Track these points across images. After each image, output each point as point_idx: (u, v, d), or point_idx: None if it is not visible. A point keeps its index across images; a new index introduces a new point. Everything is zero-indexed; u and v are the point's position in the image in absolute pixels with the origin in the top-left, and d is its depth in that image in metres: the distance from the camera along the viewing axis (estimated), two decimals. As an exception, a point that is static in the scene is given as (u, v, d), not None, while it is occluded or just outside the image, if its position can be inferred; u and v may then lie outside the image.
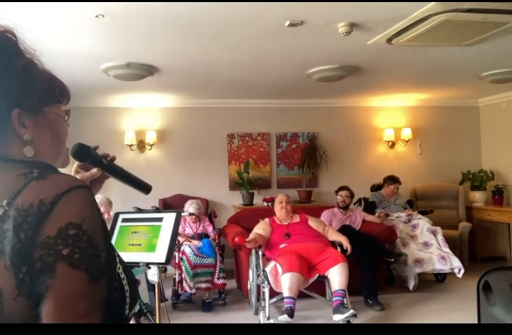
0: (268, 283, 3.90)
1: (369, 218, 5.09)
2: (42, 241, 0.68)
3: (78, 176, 1.07)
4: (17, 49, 0.81)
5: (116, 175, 1.13)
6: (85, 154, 1.07)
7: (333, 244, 4.22)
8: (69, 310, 0.68)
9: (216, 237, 4.87)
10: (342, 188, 5.15)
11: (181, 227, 4.48)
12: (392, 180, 5.56)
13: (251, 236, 4.17)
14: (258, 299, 4.05)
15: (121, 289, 0.82)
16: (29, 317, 0.68)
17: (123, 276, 0.84)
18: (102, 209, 4.10)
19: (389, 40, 3.50)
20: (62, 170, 0.95)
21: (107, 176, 1.13)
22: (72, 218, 0.71)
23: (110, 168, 1.11)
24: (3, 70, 0.79)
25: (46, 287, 0.68)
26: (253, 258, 4.15)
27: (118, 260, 0.84)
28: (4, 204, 0.70)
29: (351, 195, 5.12)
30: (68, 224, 0.70)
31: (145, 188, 1.21)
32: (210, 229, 4.93)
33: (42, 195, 0.71)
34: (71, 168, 1.11)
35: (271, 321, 3.70)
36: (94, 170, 1.07)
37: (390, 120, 6.49)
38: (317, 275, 3.92)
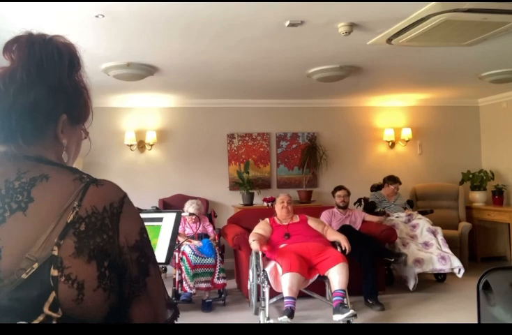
0: (268, 283, 3.90)
1: (369, 218, 5.08)
2: (134, 244, 0.79)
3: None
4: (79, 63, 0.90)
5: None
6: None
7: (333, 244, 4.22)
8: (162, 299, 0.83)
9: (216, 237, 4.87)
10: (339, 188, 5.15)
11: (181, 227, 4.48)
12: (392, 180, 5.56)
13: (252, 237, 4.18)
14: (258, 299, 4.05)
15: None
16: (102, 308, 0.75)
17: None
18: None
19: (389, 40, 3.50)
20: None
21: None
22: (140, 222, 0.82)
23: None
24: (69, 78, 0.86)
25: (143, 285, 0.79)
26: (253, 258, 4.15)
27: None
28: (75, 205, 0.75)
29: (349, 194, 5.13)
30: (142, 228, 0.81)
31: None
32: (210, 229, 4.93)
33: (108, 199, 0.78)
34: None
35: (271, 321, 3.70)
36: None
37: (390, 120, 6.49)
38: (317, 275, 3.92)
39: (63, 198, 0.76)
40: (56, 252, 0.72)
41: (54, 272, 0.71)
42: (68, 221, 0.74)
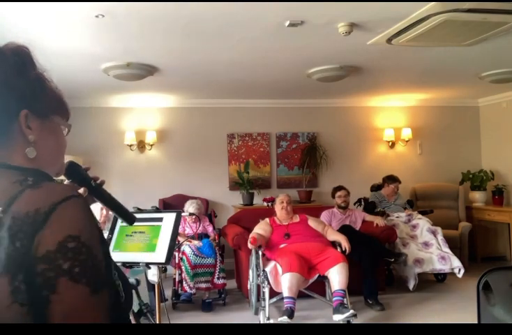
0: (268, 283, 3.90)
1: (369, 217, 5.08)
2: (43, 255, 0.69)
3: None
4: (31, 61, 0.88)
5: (103, 199, 1.12)
6: (73, 172, 1.07)
7: (333, 244, 4.22)
8: (73, 321, 0.69)
9: (216, 237, 4.87)
10: (339, 188, 5.14)
11: (181, 227, 4.47)
12: (392, 179, 5.57)
13: (249, 240, 4.19)
14: (258, 299, 4.05)
15: (117, 296, 0.83)
16: (26, 321, 0.68)
17: (118, 282, 0.85)
18: (100, 205, 4.10)
19: (389, 40, 3.50)
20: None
21: (94, 200, 1.12)
22: (70, 230, 0.71)
23: (97, 191, 1.10)
24: (18, 75, 0.84)
25: (48, 301, 0.69)
26: (253, 258, 4.15)
27: (113, 267, 0.85)
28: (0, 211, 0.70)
29: (349, 193, 5.13)
30: (67, 237, 0.70)
31: (129, 218, 1.18)
32: (210, 229, 4.93)
33: (37, 204, 0.71)
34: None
35: (271, 321, 3.70)
36: (81, 190, 1.07)
37: (390, 120, 6.49)
38: (317, 275, 3.92)
39: None
40: None
41: None
42: None
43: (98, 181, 1.11)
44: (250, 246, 4.02)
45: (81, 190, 1.07)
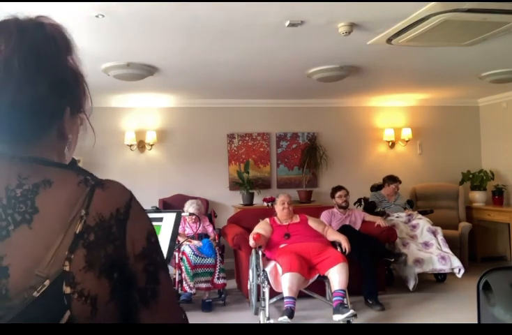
0: (268, 283, 3.90)
1: (369, 218, 5.08)
2: (141, 252, 0.73)
3: None
4: (72, 46, 0.81)
5: None
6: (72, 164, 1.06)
7: (333, 244, 4.22)
8: (175, 306, 0.78)
9: (216, 237, 4.87)
10: (338, 189, 5.13)
11: (181, 227, 4.48)
12: (392, 179, 5.57)
13: (252, 236, 4.19)
14: (258, 299, 4.05)
15: None
16: (114, 318, 0.72)
17: None
18: None
19: (389, 40, 3.50)
20: None
21: None
22: (147, 225, 0.76)
23: None
24: (64, 64, 0.78)
25: (155, 293, 0.74)
26: (253, 258, 4.15)
27: None
28: (83, 214, 0.70)
29: (348, 193, 5.13)
30: (149, 232, 0.76)
31: None
32: (210, 229, 4.93)
33: (115, 204, 0.73)
34: None
35: (271, 321, 3.70)
36: None
37: (390, 120, 6.49)
38: (317, 275, 3.92)
39: (69, 206, 0.70)
40: (67, 268, 0.67)
41: (67, 289, 0.66)
42: (77, 232, 0.68)
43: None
44: (252, 242, 4.01)
45: None
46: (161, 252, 0.78)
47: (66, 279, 0.67)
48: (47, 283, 0.66)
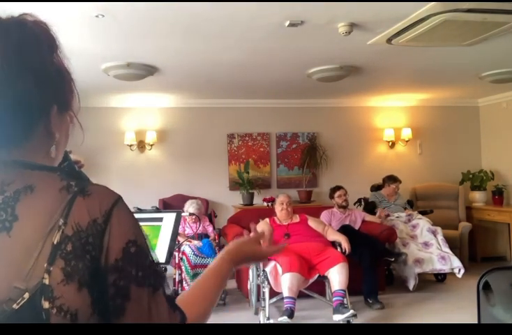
0: (268, 283, 3.91)
1: (369, 217, 5.08)
2: (113, 264, 0.69)
3: None
4: (55, 43, 0.79)
5: None
6: (64, 158, 1.06)
7: (333, 244, 4.22)
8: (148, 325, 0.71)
9: (216, 237, 4.87)
10: (337, 188, 5.13)
11: (181, 227, 4.48)
12: (392, 179, 5.57)
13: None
14: (258, 299, 4.06)
15: None
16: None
17: None
18: None
19: (389, 40, 3.50)
20: None
21: None
22: (128, 235, 0.71)
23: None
24: (50, 61, 0.77)
25: (123, 309, 0.69)
26: (253, 258, 4.15)
27: None
28: (61, 224, 0.67)
29: (347, 192, 5.13)
30: (128, 242, 0.70)
31: None
32: (210, 229, 4.93)
33: (94, 213, 0.69)
34: None
35: (271, 321, 3.70)
36: None
37: (390, 120, 6.49)
38: (317, 275, 3.92)
39: (49, 214, 0.68)
40: (46, 281, 0.64)
41: (45, 304, 0.64)
42: (55, 242, 0.66)
43: (79, 165, 1.09)
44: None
45: None
46: (143, 264, 0.71)
47: (45, 293, 0.64)
48: (26, 296, 0.64)
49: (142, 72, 4.23)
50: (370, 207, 5.48)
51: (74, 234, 0.67)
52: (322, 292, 4.15)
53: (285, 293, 3.71)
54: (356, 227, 4.95)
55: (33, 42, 0.75)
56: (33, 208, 0.69)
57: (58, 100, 0.77)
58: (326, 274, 3.87)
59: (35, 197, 0.70)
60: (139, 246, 0.71)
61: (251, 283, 4.23)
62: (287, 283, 3.71)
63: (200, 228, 4.82)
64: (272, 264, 4.02)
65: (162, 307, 0.72)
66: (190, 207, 4.85)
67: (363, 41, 3.57)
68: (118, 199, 0.73)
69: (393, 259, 4.63)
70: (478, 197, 6.18)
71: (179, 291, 4.37)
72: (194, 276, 4.32)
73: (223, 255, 0.99)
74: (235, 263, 1.00)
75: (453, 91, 5.88)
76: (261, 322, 3.74)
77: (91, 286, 0.67)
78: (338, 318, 3.60)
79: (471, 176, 6.23)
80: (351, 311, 3.56)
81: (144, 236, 0.75)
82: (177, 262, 4.44)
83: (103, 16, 2.88)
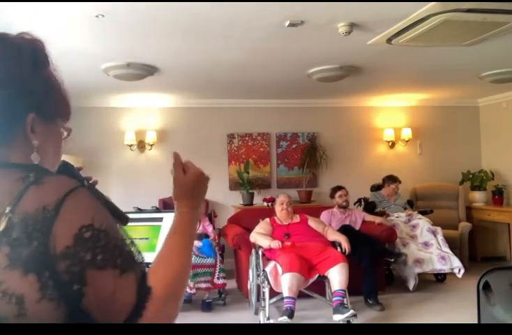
0: (268, 283, 3.90)
1: (369, 217, 5.08)
2: (62, 252, 0.69)
3: None
4: (45, 58, 0.85)
5: None
6: (67, 173, 1.06)
7: (334, 244, 4.22)
8: (110, 308, 0.71)
9: (216, 237, 4.87)
10: (338, 188, 5.13)
11: (181, 227, 4.47)
12: (392, 179, 5.57)
13: (254, 236, 4.20)
14: (258, 299, 4.05)
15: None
16: (54, 317, 0.70)
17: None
18: None
19: (389, 40, 3.50)
20: None
21: None
22: (82, 220, 0.71)
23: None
24: (33, 74, 0.81)
25: (81, 294, 0.70)
26: (253, 258, 4.15)
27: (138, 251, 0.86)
28: (7, 211, 0.69)
29: (348, 193, 5.13)
30: (81, 228, 0.70)
31: (121, 218, 1.19)
32: (210, 229, 4.92)
33: (45, 200, 0.70)
34: None
35: (271, 321, 3.70)
36: None
37: (390, 120, 6.49)
38: (317, 275, 3.92)
39: (1, 203, 0.70)
40: None
41: None
42: (1, 229, 0.68)
43: (91, 181, 1.11)
44: (279, 245, 4.03)
45: None
46: (104, 247, 0.71)
47: None
48: None
49: (142, 72, 4.23)
50: (370, 207, 5.48)
51: (21, 221, 0.68)
52: (322, 292, 4.15)
53: (285, 293, 3.71)
54: (357, 228, 4.94)
55: (14, 58, 0.80)
56: None
57: (40, 109, 0.82)
58: (326, 274, 3.87)
59: None
60: (96, 230, 0.71)
61: (251, 283, 4.23)
62: (287, 282, 3.71)
63: (200, 228, 4.82)
64: (272, 264, 4.02)
65: (129, 289, 0.72)
66: (190, 207, 4.84)
67: (363, 41, 3.57)
68: (76, 188, 0.74)
69: (392, 260, 4.63)
70: (478, 197, 6.18)
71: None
72: (195, 276, 4.32)
73: (175, 206, 0.97)
74: (187, 203, 0.97)
75: (453, 91, 5.88)
76: (261, 322, 3.74)
77: (40, 272, 0.68)
78: (338, 318, 3.60)
79: (471, 176, 6.23)
80: (351, 311, 3.56)
81: (109, 220, 0.75)
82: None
83: (103, 16, 2.88)
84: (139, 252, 0.82)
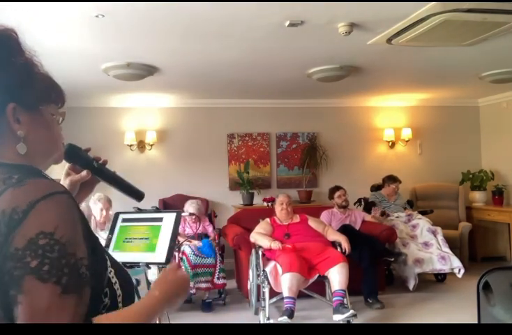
0: (268, 283, 3.90)
1: (369, 218, 5.09)
2: (10, 252, 0.65)
3: (68, 179, 1.04)
4: (18, 47, 0.82)
5: (107, 179, 1.11)
6: (74, 155, 1.05)
7: (333, 244, 4.22)
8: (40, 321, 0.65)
9: (216, 237, 4.87)
10: (337, 188, 5.12)
11: (180, 227, 4.47)
12: (392, 179, 5.57)
13: (254, 236, 4.20)
14: (258, 299, 4.05)
15: (112, 295, 0.79)
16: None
17: (114, 280, 0.81)
18: (100, 206, 4.09)
19: (389, 40, 3.50)
20: (55, 167, 0.93)
21: (98, 179, 1.10)
22: (43, 227, 0.67)
23: (100, 171, 1.09)
24: (3, 64, 0.79)
25: (15, 302, 0.65)
26: (253, 258, 4.15)
27: (109, 264, 0.81)
28: None
29: (346, 192, 5.13)
30: (39, 233, 0.66)
31: (137, 195, 1.18)
32: (210, 229, 4.93)
33: (16, 202, 0.68)
34: (63, 169, 1.09)
35: (271, 321, 3.70)
36: (83, 173, 1.06)
37: (390, 120, 6.49)
38: (317, 275, 3.92)
39: None
40: None
41: None
42: None
43: (101, 161, 1.10)
44: (277, 244, 4.02)
45: (84, 173, 1.05)
46: (56, 261, 0.66)
47: None
48: None
49: (142, 72, 4.23)
50: (369, 207, 5.48)
51: None
52: (322, 292, 4.15)
53: (285, 293, 3.71)
54: (357, 228, 4.94)
55: None
56: None
57: (19, 98, 0.79)
58: (326, 274, 3.87)
59: None
60: (55, 240, 0.67)
61: (251, 283, 4.22)
62: (286, 282, 3.71)
63: (200, 228, 4.82)
64: (272, 264, 4.02)
65: (64, 311, 0.66)
66: (190, 207, 4.85)
67: (363, 41, 3.57)
68: (54, 193, 0.71)
69: (392, 260, 4.63)
70: (478, 197, 6.18)
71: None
72: (194, 275, 4.32)
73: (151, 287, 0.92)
74: (161, 290, 0.87)
75: (453, 91, 5.88)
76: (261, 322, 3.74)
77: None
78: (338, 318, 3.60)
79: (471, 176, 6.23)
80: (351, 311, 3.56)
81: (75, 235, 0.71)
82: (177, 262, 4.44)
83: (103, 16, 2.88)
84: (101, 276, 0.76)
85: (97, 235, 0.86)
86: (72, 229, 0.71)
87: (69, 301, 0.67)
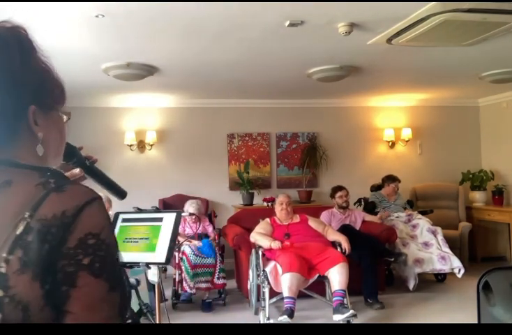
0: (268, 283, 3.90)
1: (369, 218, 5.08)
2: (63, 252, 0.69)
3: None
4: (32, 45, 0.81)
5: (96, 177, 1.16)
6: (71, 154, 1.07)
7: (334, 244, 4.22)
8: (90, 318, 0.70)
9: (216, 237, 4.87)
10: (339, 189, 5.12)
11: (180, 227, 4.47)
12: (391, 179, 5.57)
13: (254, 236, 4.20)
14: (258, 299, 4.05)
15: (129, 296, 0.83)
16: (55, 321, 0.69)
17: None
18: None
19: (389, 40, 3.50)
20: None
21: (85, 177, 1.13)
22: (91, 228, 0.71)
23: (91, 170, 1.13)
24: (24, 66, 0.78)
25: (67, 296, 0.68)
26: (253, 258, 4.15)
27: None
28: (26, 216, 0.69)
29: (348, 193, 5.13)
30: (87, 234, 0.70)
31: (120, 193, 1.24)
32: (210, 229, 4.93)
33: (64, 207, 0.70)
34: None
35: (271, 321, 3.70)
36: (76, 170, 1.08)
37: (390, 120, 6.49)
38: (317, 275, 3.92)
39: (20, 207, 0.70)
40: (3, 269, 0.66)
41: (0, 292, 0.66)
42: (17, 233, 0.68)
43: (91, 160, 1.13)
44: (278, 244, 4.03)
45: (77, 170, 1.08)
46: (103, 258, 0.71)
47: (1, 281, 0.66)
48: None
49: (142, 72, 4.23)
50: (369, 207, 5.48)
51: (38, 225, 0.68)
52: (322, 292, 4.15)
53: (285, 293, 3.71)
54: (357, 228, 4.95)
55: (2, 47, 0.76)
56: (7, 200, 0.72)
57: (38, 100, 0.80)
58: (326, 274, 3.87)
59: (12, 190, 0.73)
60: (101, 240, 0.71)
61: (251, 283, 4.23)
62: (286, 282, 3.71)
63: (200, 228, 4.82)
64: (272, 264, 4.02)
65: (116, 307, 0.72)
66: (190, 207, 4.85)
67: (363, 41, 3.57)
68: (95, 199, 0.74)
69: (392, 260, 4.63)
70: (478, 197, 6.18)
71: (179, 291, 4.38)
72: (194, 275, 4.32)
73: None
74: None
75: (453, 91, 5.88)
76: (261, 322, 3.74)
77: (44, 277, 0.67)
78: (338, 318, 3.60)
79: (471, 176, 6.23)
80: (351, 311, 3.56)
81: (113, 236, 0.75)
82: (177, 262, 4.44)
83: (103, 16, 2.88)
84: (126, 275, 0.81)
85: None
86: (112, 231, 0.76)
87: (114, 298, 0.72)
